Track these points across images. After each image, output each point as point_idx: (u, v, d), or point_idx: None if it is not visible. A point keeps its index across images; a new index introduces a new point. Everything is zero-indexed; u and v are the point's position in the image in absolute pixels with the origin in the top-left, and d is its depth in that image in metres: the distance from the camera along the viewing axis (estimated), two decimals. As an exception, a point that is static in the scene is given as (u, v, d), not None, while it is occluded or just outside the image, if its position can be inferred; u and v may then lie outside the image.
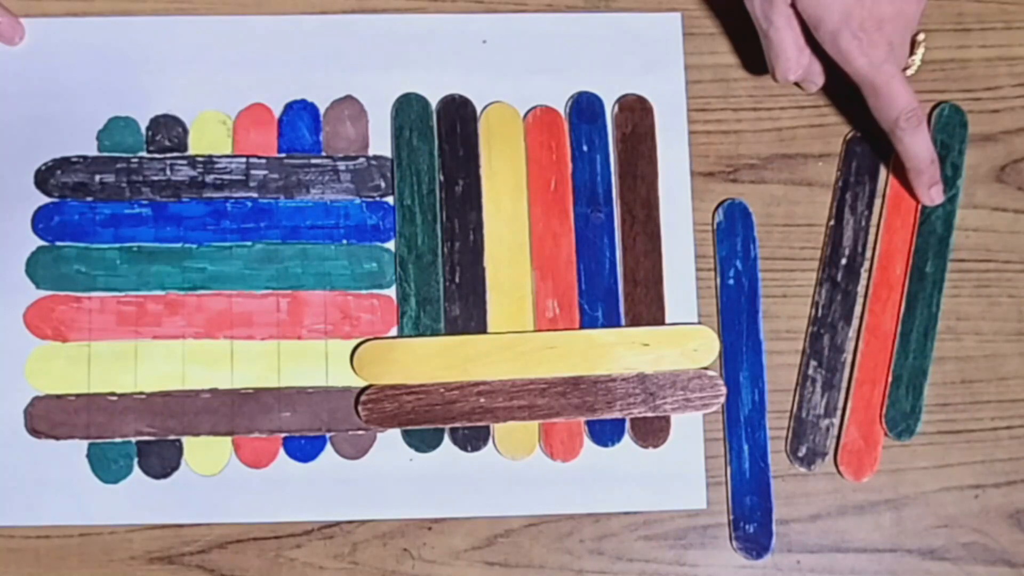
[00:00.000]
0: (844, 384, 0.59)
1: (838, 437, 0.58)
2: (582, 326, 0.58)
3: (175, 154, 0.59)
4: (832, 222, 0.60)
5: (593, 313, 0.58)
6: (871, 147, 0.60)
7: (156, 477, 0.57)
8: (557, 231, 0.59)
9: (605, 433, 0.58)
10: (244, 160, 0.59)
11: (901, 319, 0.59)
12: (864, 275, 0.59)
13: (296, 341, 0.58)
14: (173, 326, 0.57)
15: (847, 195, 0.60)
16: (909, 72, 0.58)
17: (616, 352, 0.58)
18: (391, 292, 0.58)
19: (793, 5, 0.55)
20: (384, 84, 0.60)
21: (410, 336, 0.58)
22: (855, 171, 0.60)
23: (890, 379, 0.58)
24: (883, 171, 0.60)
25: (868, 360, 0.58)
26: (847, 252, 0.59)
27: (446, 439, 0.57)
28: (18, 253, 0.57)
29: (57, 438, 0.56)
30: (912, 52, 0.58)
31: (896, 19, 0.55)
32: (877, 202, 0.60)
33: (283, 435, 0.57)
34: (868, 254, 0.59)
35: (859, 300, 0.59)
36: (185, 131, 0.59)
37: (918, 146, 0.56)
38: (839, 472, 0.58)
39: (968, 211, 0.60)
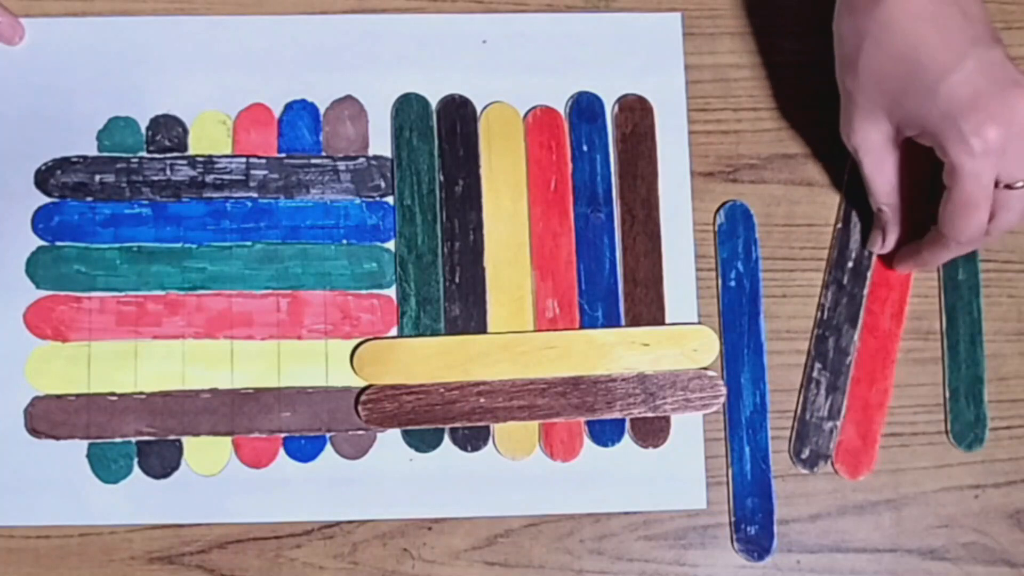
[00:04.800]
0: (848, 387, 0.59)
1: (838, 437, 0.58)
2: (582, 326, 0.58)
3: (175, 154, 0.59)
4: (839, 224, 0.60)
5: (593, 313, 0.58)
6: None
7: (156, 477, 0.57)
8: (557, 231, 0.59)
9: (605, 433, 0.58)
10: (244, 160, 0.59)
11: (944, 333, 0.59)
12: (870, 278, 0.59)
13: (296, 341, 0.58)
14: (173, 326, 0.57)
15: (854, 198, 0.60)
16: None
17: (616, 352, 0.58)
18: (391, 292, 0.58)
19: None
20: (384, 84, 0.60)
21: (410, 336, 0.58)
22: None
23: (947, 395, 0.58)
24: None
25: (865, 358, 0.58)
26: (853, 255, 0.59)
27: (446, 439, 0.57)
28: (18, 253, 0.57)
29: (57, 438, 0.56)
30: None
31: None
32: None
33: (283, 435, 0.57)
34: (874, 257, 0.59)
35: (864, 303, 0.59)
36: (185, 131, 0.59)
37: (952, 255, 0.54)
38: (835, 471, 0.58)
39: (968, 211, 0.60)
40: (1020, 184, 0.49)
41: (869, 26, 0.50)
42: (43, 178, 0.58)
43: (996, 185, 0.49)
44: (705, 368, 0.58)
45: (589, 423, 0.58)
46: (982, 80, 0.48)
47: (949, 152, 0.49)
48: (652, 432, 0.58)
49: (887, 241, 0.57)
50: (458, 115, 0.60)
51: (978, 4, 0.50)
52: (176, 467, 0.57)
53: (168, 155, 0.58)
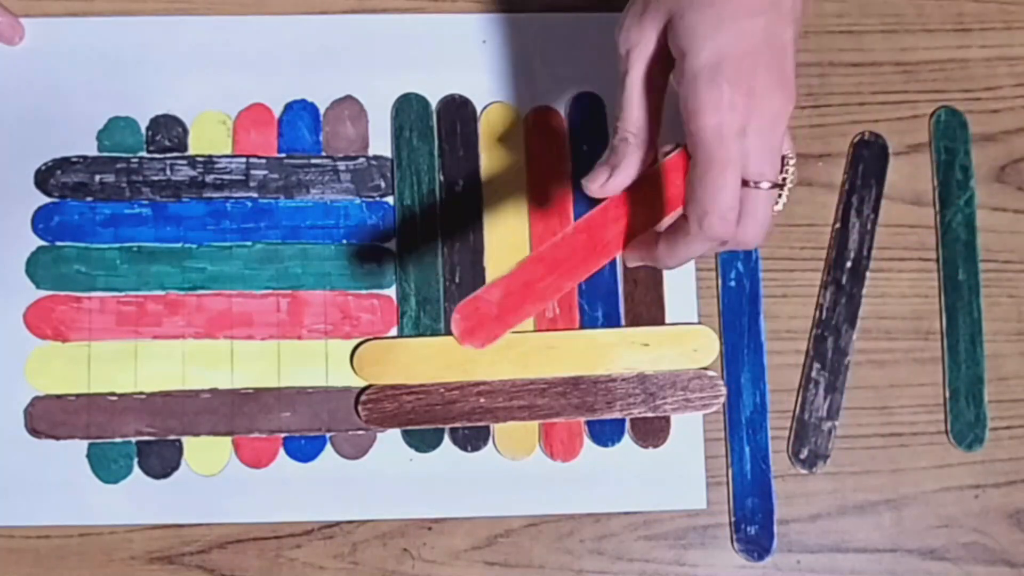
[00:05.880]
0: (847, 387, 0.58)
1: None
2: (582, 326, 0.58)
3: (175, 154, 0.59)
4: (838, 224, 0.60)
5: (593, 313, 0.58)
6: (878, 149, 0.60)
7: (156, 477, 0.57)
8: (557, 231, 0.59)
9: (605, 433, 0.58)
10: (244, 160, 0.59)
11: (944, 333, 0.59)
12: (869, 279, 0.59)
13: (296, 341, 0.58)
14: (173, 326, 0.57)
15: (853, 198, 0.60)
16: (778, 205, 0.45)
17: (616, 352, 0.58)
18: (391, 292, 0.58)
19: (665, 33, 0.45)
20: (384, 84, 0.60)
21: (410, 336, 0.58)
22: (861, 174, 0.60)
23: (947, 395, 0.58)
24: (889, 174, 0.60)
25: (565, 248, 0.48)
26: (852, 255, 0.59)
27: (446, 439, 0.57)
28: (18, 253, 0.57)
29: (57, 438, 0.56)
30: (782, 168, 0.45)
31: (773, 111, 0.43)
32: (883, 204, 0.60)
33: (283, 435, 0.57)
34: (870, 257, 0.59)
35: (863, 303, 0.59)
36: (185, 131, 0.59)
37: (691, 251, 0.45)
38: (451, 333, 0.47)
39: (968, 211, 0.60)
40: (766, 184, 0.43)
41: None
42: (43, 178, 0.58)
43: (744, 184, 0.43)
44: (705, 368, 0.58)
45: (589, 423, 0.58)
46: (765, 49, 0.43)
47: (700, 93, 0.42)
48: (652, 432, 0.58)
49: (613, 182, 0.46)
50: (458, 115, 0.60)
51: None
52: (176, 467, 0.57)
53: (168, 155, 0.58)
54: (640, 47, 0.46)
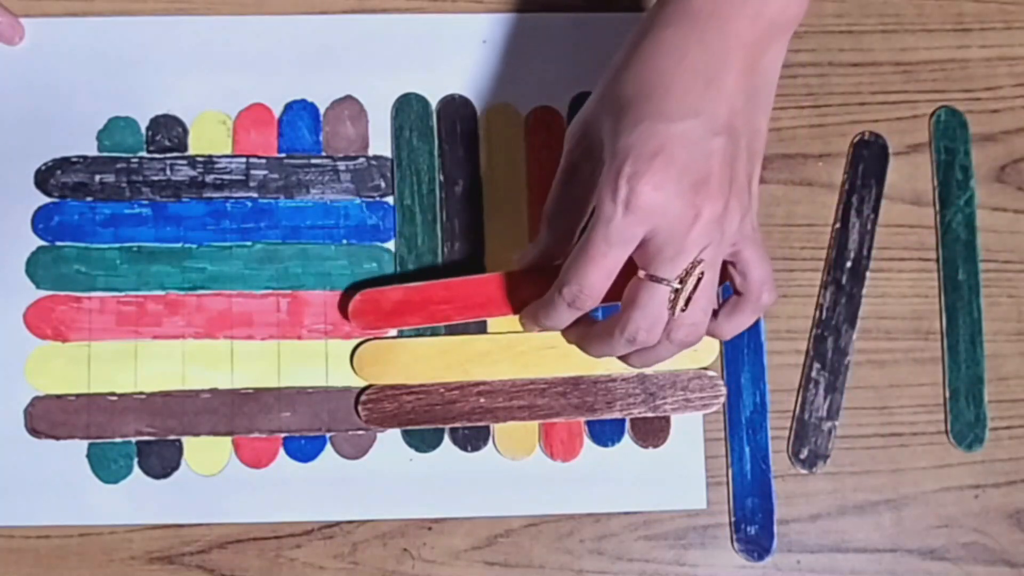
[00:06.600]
0: (847, 387, 0.59)
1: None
2: (582, 326, 0.58)
3: (175, 154, 0.59)
4: (838, 224, 0.60)
5: (593, 313, 0.58)
6: (878, 149, 0.60)
7: (156, 477, 0.57)
8: (557, 231, 0.59)
9: (605, 433, 0.58)
10: (244, 160, 0.59)
11: (944, 333, 0.59)
12: (869, 278, 0.59)
13: (296, 341, 0.58)
14: (173, 326, 0.57)
15: (853, 198, 0.60)
16: (676, 308, 0.45)
17: (616, 352, 0.58)
18: (391, 292, 0.58)
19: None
20: (384, 84, 0.60)
21: (410, 336, 0.58)
22: (861, 174, 0.60)
23: (947, 395, 0.58)
24: (889, 174, 0.60)
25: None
26: (852, 255, 0.59)
27: (446, 439, 0.57)
28: (18, 253, 0.57)
29: (57, 438, 0.56)
30: (684, 277, 0.45)
31: (678, 214, 0.43)
32: (883, 204, 0.60)
33: (283, 435, 0.57)
34: (870, 260, 0.59)
35: (863, 303, 0.59)
36: (185, 131, 0.59)
37: (556, 319, 0.49)
38: (348, 315, 0.56)
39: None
40: (664, 281, 0.45)
41: (661, 17, 0.46)
42: (43, 178, 0.58)
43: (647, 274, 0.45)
44: (705, 368, 0.58)
45: (589, 423, 0.58)
46: (682, 153, 0.43)
47: (601, 185, 0.44)
48: (652, 432, 0.58)
49: (524, 257, 0.53)
50: (458, 115, 0.60)
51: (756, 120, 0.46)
52: (176, 467, 0.57)
53: (168, 155, 0.58)
54: (569, 142, 0.50)
